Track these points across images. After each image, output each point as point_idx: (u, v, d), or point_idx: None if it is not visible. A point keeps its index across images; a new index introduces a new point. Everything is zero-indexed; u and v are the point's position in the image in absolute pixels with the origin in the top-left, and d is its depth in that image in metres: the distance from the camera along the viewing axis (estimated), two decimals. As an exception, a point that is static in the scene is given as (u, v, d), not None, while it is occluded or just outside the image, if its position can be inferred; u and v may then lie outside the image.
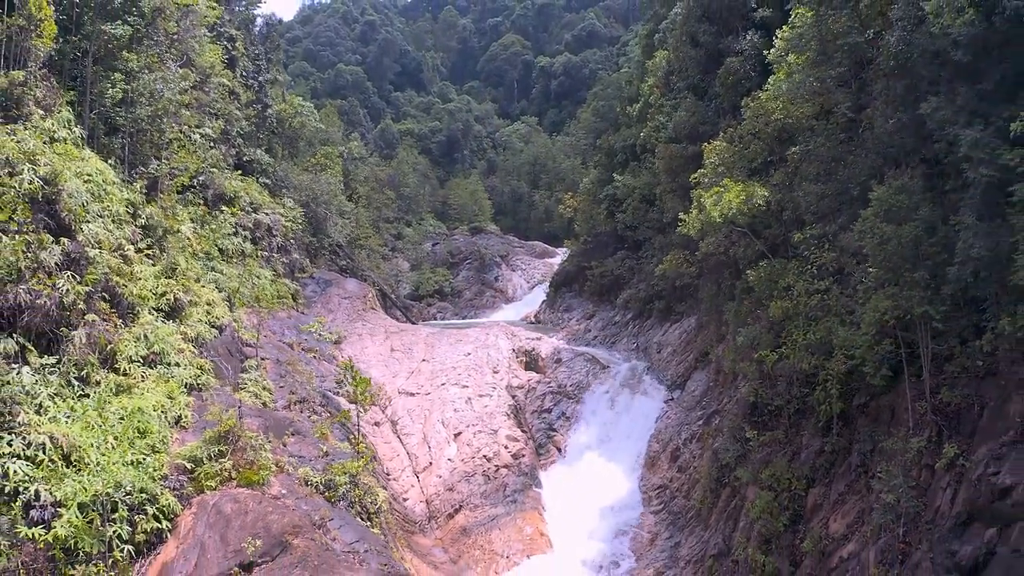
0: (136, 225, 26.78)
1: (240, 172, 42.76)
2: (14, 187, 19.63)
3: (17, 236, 18.42)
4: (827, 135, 25.32)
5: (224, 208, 37.71)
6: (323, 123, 65.04)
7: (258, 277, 37.57)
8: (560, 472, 33.37)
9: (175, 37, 34.29)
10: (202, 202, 36.06)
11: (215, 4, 38.97)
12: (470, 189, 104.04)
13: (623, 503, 30.70)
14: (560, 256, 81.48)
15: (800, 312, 23.88)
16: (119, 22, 27.97)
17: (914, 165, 20.26)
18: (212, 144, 38.23)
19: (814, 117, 27.02)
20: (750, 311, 28.00)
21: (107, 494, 16.15)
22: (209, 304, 26.94)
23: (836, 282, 23.27)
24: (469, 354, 40.48)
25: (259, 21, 56.42)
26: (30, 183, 19.83)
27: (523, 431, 35.46)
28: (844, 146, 24.60)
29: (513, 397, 37.62)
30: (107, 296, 21.86)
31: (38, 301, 18.66)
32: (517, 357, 41.59)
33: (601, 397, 37.64)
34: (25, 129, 22.18)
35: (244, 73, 48.54)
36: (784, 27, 26.50)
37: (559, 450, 34.90)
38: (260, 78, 48.53)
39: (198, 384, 22.35)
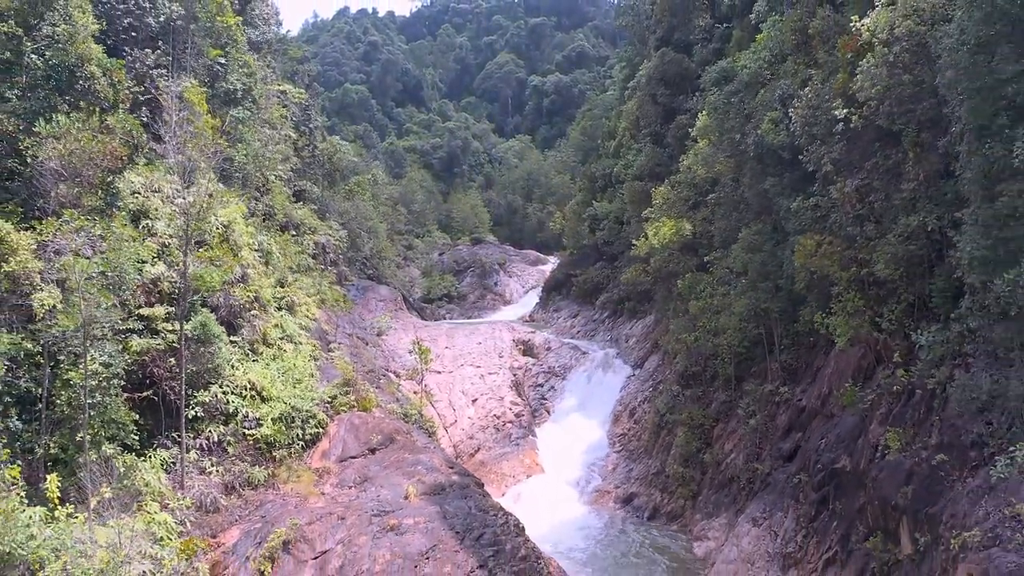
0: (253, 249, 38.73)
1: (300, 203, 54.58)
2: (208, 231, 31.51)
3: (221, 265, 30.28)
4: (730, 189, 37.49)
5: (294, 232, 49.57)
6: (353, 156, 76.93)
7: (320, 285, 49.36)
8: (550, 427, 45.47)
9: (263, 106, 46.26)
10: (279, 228, 47.90)
11: (301, 89, 51.09)
12: (470, 203, 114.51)
13: (595, 446, 42.80)
14: (551, 263, 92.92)
15: (707, 308, 35.97)
16: (240, 107, 39.85)
17: (767, 216, 32.41)
18: (283, 182, 50.12)
19: (726, 173, 39.23)
20: (681, 309, 40.13)
21: (288, 413, 28.09)
22: (305, 305, 38.85)
23: (728, 289, 35.40)
24: (480, 343, 52.48)
25: (302, 71, 68.11)
26: (217, 228, 31.72)
27: (522, 399, 47.49)
28: (738, 196, 36.77)
29: (514, 375, 49.62)
30: (255, 298, 33.73)
31: (229, 302, 30.59)
32: (517, 346, 53.56)
33: (581, 375, 49.75)
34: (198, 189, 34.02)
35: (294, 119, 60.32)
36: (700, 114, 38.70)
37: (549, 412, 46.97)
38: (310, 124, 60.37)
39: (314, 355, 34.26)
